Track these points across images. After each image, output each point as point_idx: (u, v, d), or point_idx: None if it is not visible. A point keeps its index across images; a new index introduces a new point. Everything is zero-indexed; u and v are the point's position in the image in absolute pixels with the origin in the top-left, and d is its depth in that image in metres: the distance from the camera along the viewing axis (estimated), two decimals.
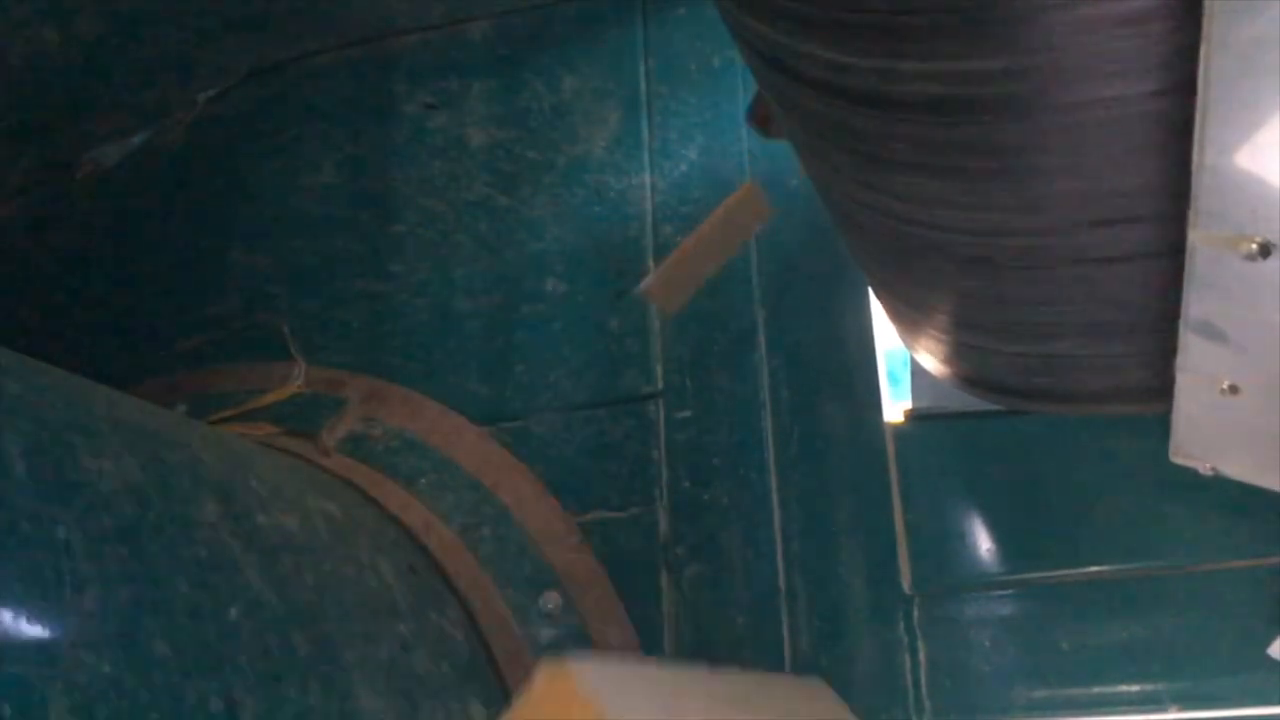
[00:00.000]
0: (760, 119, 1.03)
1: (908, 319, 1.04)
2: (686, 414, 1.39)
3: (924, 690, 1.22)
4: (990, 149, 0.68)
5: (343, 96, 1.71)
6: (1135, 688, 1.17)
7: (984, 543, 1.25)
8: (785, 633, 1.28)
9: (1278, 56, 0.54)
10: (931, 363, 1.10)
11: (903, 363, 1.34)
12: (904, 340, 1.13)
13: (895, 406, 1.33)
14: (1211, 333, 0.75)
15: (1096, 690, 1.18)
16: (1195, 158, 0.61)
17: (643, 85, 1.57)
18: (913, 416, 1.31)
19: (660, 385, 1.41)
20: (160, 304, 1.66)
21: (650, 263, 1.47)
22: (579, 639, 1.32)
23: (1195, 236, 0.67)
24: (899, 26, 0.62)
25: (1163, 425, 0.93)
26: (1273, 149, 0.58)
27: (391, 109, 1.67)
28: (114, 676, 0.72)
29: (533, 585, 1.35)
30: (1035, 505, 1.24)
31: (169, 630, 0.80)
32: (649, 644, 1.30)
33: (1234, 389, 0.80)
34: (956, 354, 1.02)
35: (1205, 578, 1.17)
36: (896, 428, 1.31)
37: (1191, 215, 0.65)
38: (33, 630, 0.69)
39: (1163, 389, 0.86)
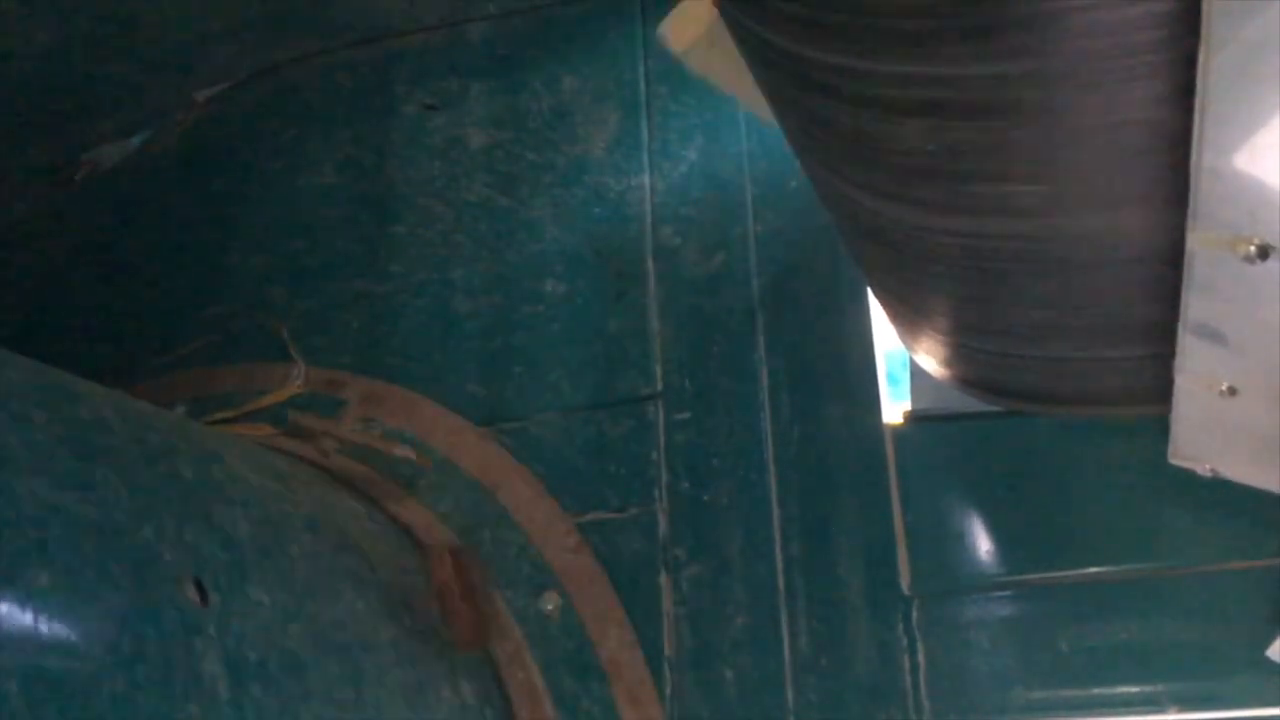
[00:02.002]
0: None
1: (907, 320, 1.04)
2: (686, 415, 1.39)
3: (923, 691, 1.22)
4: (991, 152, 0.68)
5: (343, 96, 1.71)
6: (1134, 689, 1.17)
7: (983, 544, 1.25)
8: (784, 633, 1.28)
9: (1277, 59, 0.54)
10: (931, 364, 1.10)
11: (902, 364, 1.34)
12: (904, 341, 1.13)
13: (895, 407, 1.33)
14: (1210, 335, 0.75)
15: (1096, 691, 1.18)
16: (1194, 160, 0.61)
17: (642, 86, 1.57)
18: (912, 417, 1.31)
19: (660, 386, 1.41)
20: (160, 304, 1.66)
21: (650, 264, 1.47)
22: (579, 638, 1.32)
23: (1194, 239, 0.67)
24: (901, 30, 0.62)
25: (1162, 427, 0.93)
26: (1271, 151, 0.58)
27: (391, 109, 1.67)
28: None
29: (532, 585, 1.35)
30: (1034, 506, 1.24)
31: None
32: (649, 644, 1.31)
33: (1233, 391, 0.80)
34: (956, 355, 1.02)
35: (1204, 579, 1.17)
36: (896, 428, 1.31)
37: (1190, 218, 0.65)
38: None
39: (1162, 391, 0.86)
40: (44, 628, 0.67)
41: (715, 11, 0.99)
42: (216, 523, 0.90)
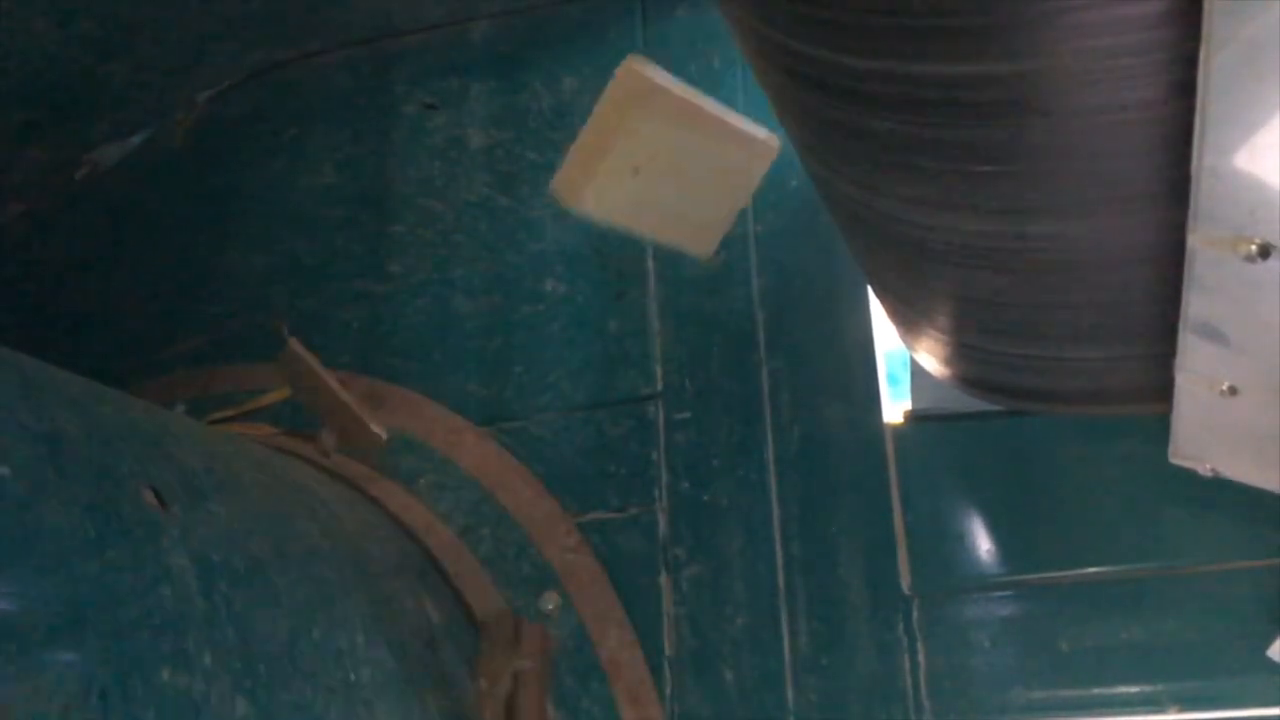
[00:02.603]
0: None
1: (908, 319, 1.04)
2: (686, 415, 1.39)
3: (923, 691, 1.22)
4: (991, 151, 0.68)
5: (343, 96, 1.71)
6: (1135, 689, 1.17)
7: (983, 543, 1.25)
8: (785, 633, 1.28)
9: (1278, 58, 0.54)
10: (931, 363, 1.10)
11: (903, 363, 1.34)
12: (904, 341, 1.13)
13: (895, 407, 1.33)
14: (1211, 334, 0.75)
15: (1096, 691, 1.18)
16: (1194, 159, 0.61)
17: None
18: (912, 417, 1.31)
19: (660, 386, 1.41)
20: (160, 304, 1.66)
21: (650, 263, 1.47)
22: (579, 638, 1.32)
23: (1195, 238, 0.67)
24: (902, 29, 0.62)
25: (1162, 426, 0.93)
26: (1272, 151, 0.58)
27: (391, 109, 1.67)
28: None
29: (532, 585, 1.35)
30: (1035, 506, 1.24)
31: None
32: (649, 644, 1.31)
33: (1233, 390, 0.80)
34: (956, 354, 1.02)
35: (1205, 579, 1.17)
36: (896, 428, 1.31)
37: (1191, 217, 0.65)
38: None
39: (1162, 390, 0.86)
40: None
41: (605, 160, 1.02)
42: (174, 459, 0.92)
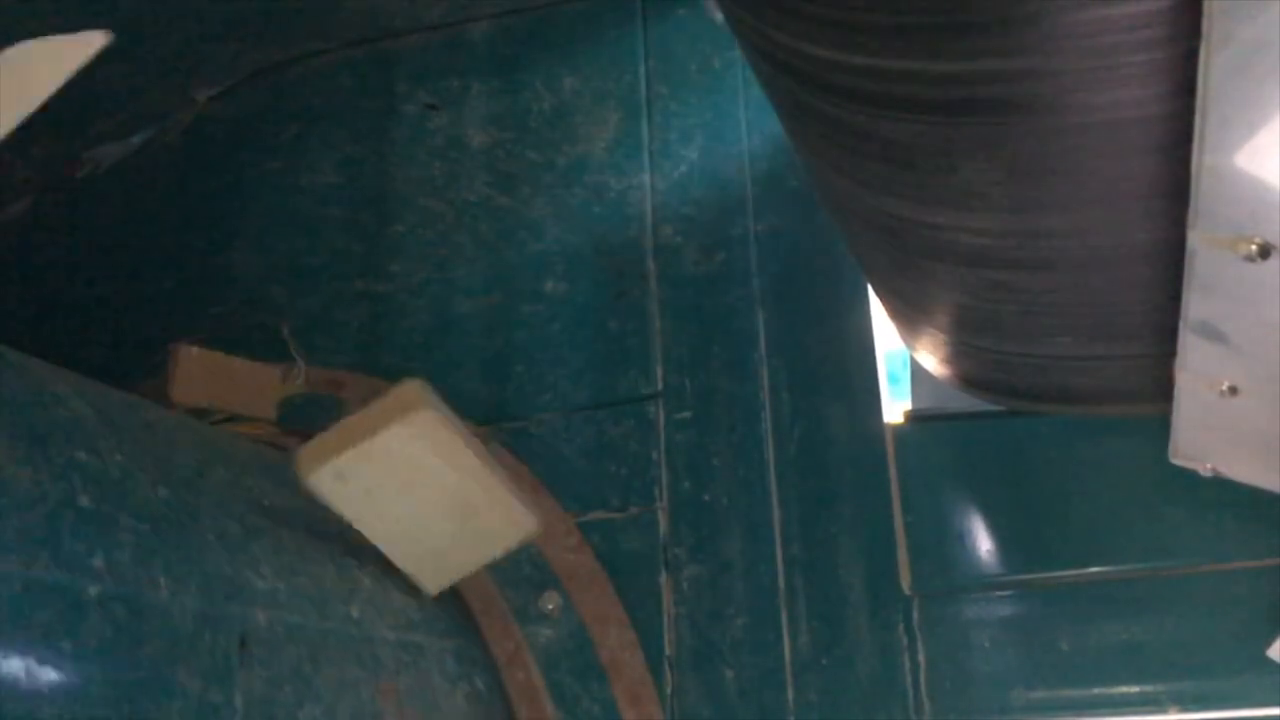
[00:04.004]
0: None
1: (908, 319, 1.04)
2: (686, 415, 1.39)
3: (923, 691, 1.22)
4: (991, 151, 0.68)
5: (343, 96, 1.71)
6: (1135, 688, 1.17)
7: (983, 543, 1.25)
8: (785, 633, 1.28)
9: (1277, 58, 0.54)
10: (931, 363, 1.10)
11: (903, 363, 1.34)
12: (904, 340, 1.13)
13: (895, 407, 1.33)
14: (1211, 334, 0.75)
15: (1096, 691, 1.18)
16: (1195, 159, 0.61)
17: (643, 86, 1.57)
18: (912, 417, 1.31)
19: (660, 386, 1.41)
20: (160, 304, 1.66)
21: (650, 263, 1.47)
22: (579, 638, 1.32)
23: (1195, 238, 0.67)
24: (903, 29, 0.62)
25: (1162, 426, 0.93)
26: (1272, 151, 0.58)
27: (391, 109, 1.67)
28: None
29: (533, 585, 1.35)
30: (1035, 506, 1.24)
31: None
32: (649, 644, 1.31)
33: (1234, 390, 0.80)
34: (956, 354, 1.02)
35: (1205, 579, 1.17)
36: (896, 428, 1.31)
37: (1191, 216, 0.65)
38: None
39: (1163, 390, 0.86)
40: None
41: (351, 448, 1.04)
42: None
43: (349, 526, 1.11)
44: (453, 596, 1.31)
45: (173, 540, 0.87)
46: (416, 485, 1.11)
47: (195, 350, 1.35)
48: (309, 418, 1.48)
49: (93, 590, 0.74)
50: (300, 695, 0.93)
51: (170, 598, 0.82)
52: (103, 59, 1.62)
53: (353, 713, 1.01)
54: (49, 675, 0.70)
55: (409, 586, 1.19)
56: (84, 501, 0.79)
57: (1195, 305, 0.73)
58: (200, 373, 1.40)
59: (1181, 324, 0.75)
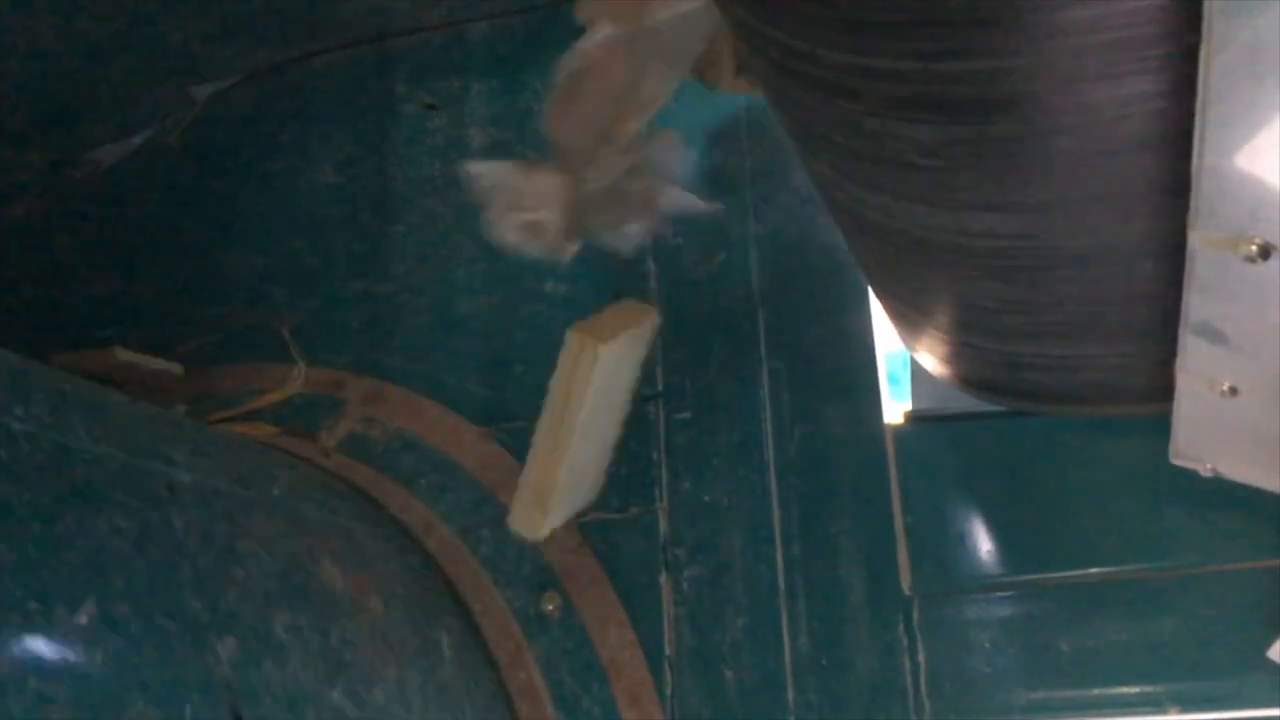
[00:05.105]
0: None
1: (908, 319, 1.04)
2: (686, 415, 1.39)
3: (923, 692, 1.22)
4: (990, 149, 0.68)
5: (343, 96, 1.71)
6: (1135, 690, 1.17)
7: (984, 544, 1.25)
8: (785, 634, 1.28)
9: (1278, 58, 0.54)
10: (932, 363, 1.10)
11: (903, 364, 1.34)
12: (904, 341, 1.13)
13: (895, 407, 1.33)
14: (1211, 334, 0.75)
15: (1096, 692, 1.18)
16: (1195, 159, 0.61)
17: None
18: (913, 418, 1.31)
19: (660, 386, 1.41)
20: (160, 304, 1.66)
21: (650, 263, 1.47)
22: (579, 639, 1.32)
23: (1195, 238, 0.67)
24: (900, 25, 0.62)
25: (1163, 426, 0.93)
26: (1273, 150, 0.58)
27: (391, 109, 1.67)
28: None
29: (532, 585, 1.35)
30: (1035, 506, 1.24)
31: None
32: (649, 644, 1.31)
33: (1234, 390, 0.80)
34: (957, 354, 1.02)
35: (1205, 579, 1.17)
36: (896, 429, 1.31)
37: (1191, 217, 0.65)
38: None
39: (1163, 390, 0.86)
40: None
41: (624, 332, 1.04)
42: None
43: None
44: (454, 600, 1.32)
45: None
46: (610, 397, 1.08)
47: None
48: (309, 418, 1.48)
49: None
50: (231, 538, 0.94)
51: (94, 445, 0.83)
52: (103, 59, 1.62)
53: (286, 556, 1.01)
54: None
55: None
56: None
57: (1195, 306, 0.73)
58: None
59: (1181, 324, 0.75)
